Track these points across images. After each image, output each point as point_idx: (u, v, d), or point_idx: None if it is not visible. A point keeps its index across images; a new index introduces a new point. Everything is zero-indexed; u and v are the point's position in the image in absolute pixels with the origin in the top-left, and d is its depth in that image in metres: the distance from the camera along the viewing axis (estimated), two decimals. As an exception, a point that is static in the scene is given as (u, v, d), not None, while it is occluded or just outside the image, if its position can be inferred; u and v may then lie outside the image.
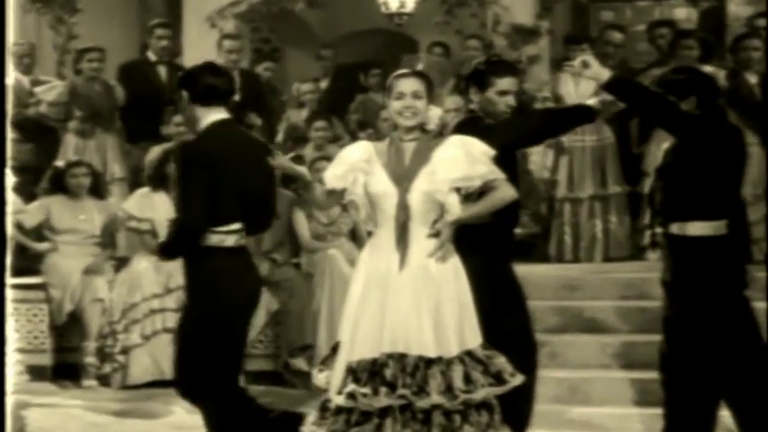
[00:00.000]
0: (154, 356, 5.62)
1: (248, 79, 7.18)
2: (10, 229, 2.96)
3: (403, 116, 3.67)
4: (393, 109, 3.68)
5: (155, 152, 6.03)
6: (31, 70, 7.25)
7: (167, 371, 5.38)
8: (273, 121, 7.36)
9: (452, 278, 3.63)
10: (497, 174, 3.66)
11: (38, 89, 7.07)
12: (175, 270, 5.51)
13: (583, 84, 6.90)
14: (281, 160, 4.02)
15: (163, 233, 5.69)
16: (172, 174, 5.70)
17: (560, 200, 6.90)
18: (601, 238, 6.81)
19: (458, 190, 3.65)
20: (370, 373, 3.52)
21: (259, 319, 5.58)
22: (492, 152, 3.69)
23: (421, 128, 3.70)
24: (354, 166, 3.67)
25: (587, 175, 6.82)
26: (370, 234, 3.78)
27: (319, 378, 3.69)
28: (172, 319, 5.53)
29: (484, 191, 3.67)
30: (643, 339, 5.39)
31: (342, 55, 8.61)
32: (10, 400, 3.07)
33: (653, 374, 4.56)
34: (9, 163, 3.09)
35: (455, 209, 3.63)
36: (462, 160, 3.62)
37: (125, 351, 5.71)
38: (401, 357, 3.52)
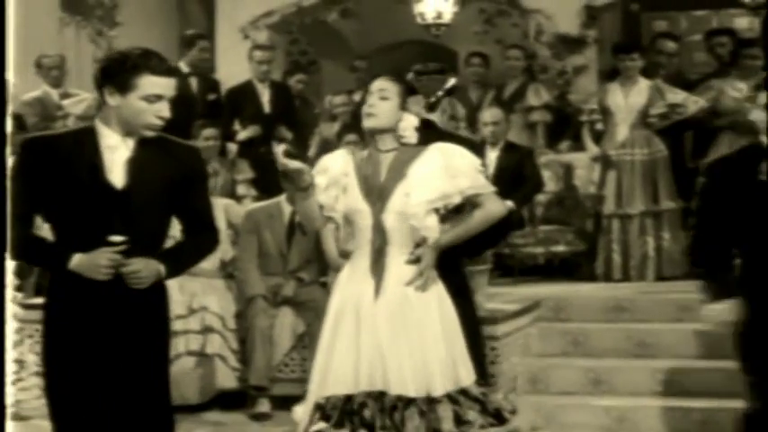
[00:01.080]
0: (176, 381, 5.30)
1: (279, 91, 7.04)
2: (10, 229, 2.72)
3: (364, 116, 3.33)
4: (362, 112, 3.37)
5: None
6: (60, 83, 7.13)
7: (191, 396, 5.25)
8: (306, 135, 7.18)
9: (436, 308, 3.28)
10: (482, 187, 3.31)
11: (66, 102, 6.91)
12: (200, 290, 5.39)
13: (632, 95, 6.64)
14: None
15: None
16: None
17: (608, 216, 6.67)
18: (653, 255, 6.57)
19: (437, 210, 3.30)
20: (342, 411, 3.19)
21: (285, 341, 5.36)
22: (478, 161, 3.33)
23: (397, 138, 3.33)
24: (333, 180, 3.32)
25: (637, 190, 6.61)
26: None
27: (297, 412, 3.37)
28: (195, 342, 5.33)
29: (474, 204, 3.32)
30: (699, 366, 5.17)
31: (377, 67, 8.40)
32: (10, 399, 2.83)
33: (709, 403, 4.21)
34: (9, 164, 2.88)
35: (434, 232, 3.29)
36: (440, 175, 3.27)
37: (146, 376, 5.43)
38: (380, 396, 3.19)
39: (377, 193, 3.26)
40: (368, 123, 3.30)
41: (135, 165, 3.02)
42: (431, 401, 3.18)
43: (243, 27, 7.87)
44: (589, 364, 5.37)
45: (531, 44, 7.75)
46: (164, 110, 3.04)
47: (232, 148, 6.44)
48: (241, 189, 6.28)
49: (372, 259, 3.25)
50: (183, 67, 7.02)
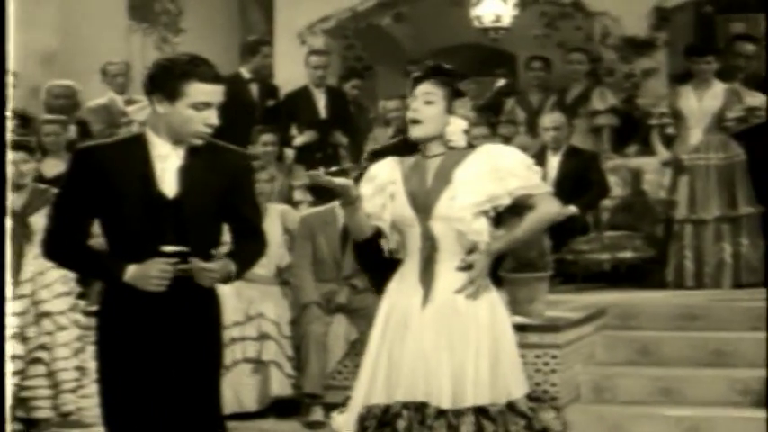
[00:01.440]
0: (234, 387, 5.32)
1: (335, 97, 7.04)
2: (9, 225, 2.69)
3: (410, 125, 3.20)
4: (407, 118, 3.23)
5: None
6: (125, 90, 7.21)
7: (248, 402, 5.25)
8: (360, 140, 7.15)
9: (487, 317, 3.14)
10: (534, 188, 3.15)
11: (130, 108, 6.98)
12: (257, 297, 5.38)
13: (706, 98, 6.42)
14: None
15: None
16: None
17: (680, 221, 6.50)
18: (730, 262, 6.38)
19: (486, 213, 3.16)
20: (380, 422, 3.09)
21: (338, 348, 5.31)
22: (530, 161, 3.19)
23: (445, 142, 3.20)
24: (380, 188, 3.21)
25: (712, 195, 6.44)
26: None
27: (337, 420, 3.26)
28: (252, 349, 5.31)
29: (527, 206, 3.17)
30: (777, 375, 4.98)
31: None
32: (9, 395, 2.82)
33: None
34: (9, 165, 2.83)
35: (483, 236, 3.15)
36: (487, 177, 3.13)
37: (204, 382, 5.40)
38: (420, 407, 3.07)
39: (423, 200, 3.16)
40: (414, 133, 3.18)
41: (186, 173, 2.99)
42: (458, 414, 3.06)
43: (300, 32, 7.87)
44: (659, 373, 5.24)
45: (595, 47, 7.58)
46: (212, 117, 3.00)
47: (289, 153, 6.44)
48: (298, 194, 6.27)
49: (421, 267, 3.14)
50: (245, 73, 7.07)
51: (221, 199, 3.04)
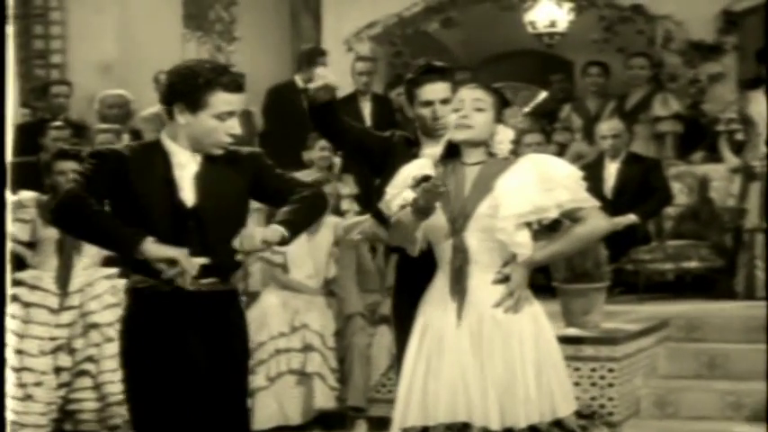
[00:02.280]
0: (279, 400, 5.23)
1: (380, 104, 6.97)
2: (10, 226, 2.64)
3: (457, 129, 3.04)
4: (450, 124, 3.06)
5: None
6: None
7: (293, 415, 5.18)
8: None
9: (530, 330, 2.98)
10: (584, 201, 2.99)
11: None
12: (302, 307, 5.31)
13: None
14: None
15: (295, 269, 5.36)
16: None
17: (750, 230, 6.29)
18: None
19: (529, 224, 2.99)
20: None
21: (382, 361, 5.18)
22: (579, 173, 3.01)
23: (488, 151, 3.05)
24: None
25: None
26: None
27: None
28: (296, 360, 5.23)
29: (574, 220, 3.01)
30: None
31: (484, 79, 8.09)
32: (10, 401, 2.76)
33: None
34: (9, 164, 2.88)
35: (526, 249, 2.98)
36: (533, 188, 2.96)
37: (250, 394, 5.30)
38: (463, 428, 2.91)
39: (459, 209, 3.00)
40: (461, 135, 3.03)
41: (204, 181, 2.94)
42: None
43: (347, 39, 7.80)
44: (728, 387, 5.04)
45: (657, 52, 7.37)
46: (235, 127, 2.94)
47: (336, 161, 6.35)
48: (345, 204, 6.16)
49: (452, 280, 2.99)
50: (299, 81, 7.02)
51: (243, 199, 2.98)
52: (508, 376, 2.91)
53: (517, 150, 3.07)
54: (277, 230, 2.89)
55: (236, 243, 2.88)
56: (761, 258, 6.16)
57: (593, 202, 3.00)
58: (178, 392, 2.90)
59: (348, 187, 6.30)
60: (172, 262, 2.83)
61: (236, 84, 2.91)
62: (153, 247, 2.82)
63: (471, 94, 3.04)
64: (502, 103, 3.05)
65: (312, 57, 7.06)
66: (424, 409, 2.95)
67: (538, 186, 2.94)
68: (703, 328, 5.43)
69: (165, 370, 2.90)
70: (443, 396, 2.93)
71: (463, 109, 3.02)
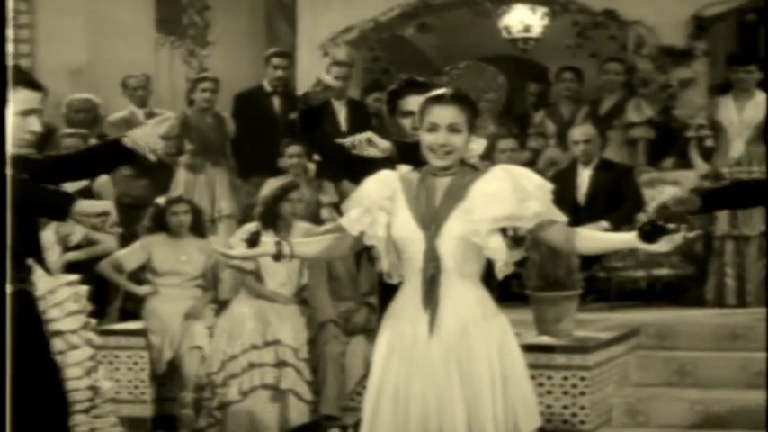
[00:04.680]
0: (251, 415, 5.15)
1: (356, 109, 6.92)
2: (10, 227, 2.59)
3: (435, 154, 2.98)
4: (424, 143, 2.99)
5: (270, 187, 5.60)
6: (145, 103, 7.15)
7: (266, 430, 5.12)
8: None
9: (497, 339, 2.94)
10: (556, 215, 2.96)
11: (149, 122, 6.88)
12: (274, 319, 5.27)
13: (748, 109, 6.20)
14: None
15: (268, 276, 5.31)
16: (285, 213, 5.33)
17: (720, 237, 6.31)
18: None
19: (503, 232, 2.95)
20: None
21: (357, 369, 5.12)
22: (550, 186, 2.99)
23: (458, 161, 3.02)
24: (373, 205, 2.98)
25: (756, 210, 6.11)
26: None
27: None
28: (270, 375, 5.18)
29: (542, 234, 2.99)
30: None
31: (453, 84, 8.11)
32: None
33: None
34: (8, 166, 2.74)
35: (500, 254, 2.93)
36: (509, 195, 2.92)
37: (222, 407, 5.26)
38: None
39: (431, 217, 2.95)
40: (443, 162, 2.96)
41: None
42: None
43: (323, 44, 7.76)
44: (697, 396, 5.05)
45: (629, 57, 7.37)
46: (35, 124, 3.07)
47: (310, 167, 6.32)
48: (324, 213, 6.13)
49: (424, 290, 2.92)
50: (266, 86, 6.96)
51: None
52: (476, 391, 2.88)
53: (491, 156, 3.06)
54: None
55: None
56: (730, 266, 6.19)
57: (563, 217, 2.99)
58: None
59: (328, 195, 6.27)
60: (104, 213, 2.98)
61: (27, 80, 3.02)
62: (86, 203, 2.97)
63: (446, 117, 2.96)
64: (474, 115, 3.01)
65: (268, 59, 7.03)
66: (394, 424, 2.90)
67: (513, 195, 2.92)
68: (673, 336, 5.43)
69: None
70: (414, 412, 2.88)
71: (438, 132, 2.95)
